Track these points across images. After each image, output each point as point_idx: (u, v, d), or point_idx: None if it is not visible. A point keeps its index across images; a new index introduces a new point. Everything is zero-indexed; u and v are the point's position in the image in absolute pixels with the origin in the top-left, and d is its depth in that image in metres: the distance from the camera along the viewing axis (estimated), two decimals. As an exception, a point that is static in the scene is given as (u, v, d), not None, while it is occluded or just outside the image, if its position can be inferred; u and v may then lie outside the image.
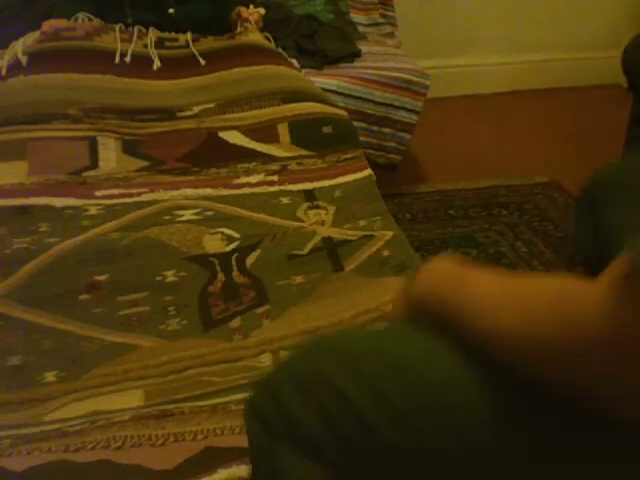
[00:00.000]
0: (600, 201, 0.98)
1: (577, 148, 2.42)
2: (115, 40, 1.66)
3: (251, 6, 1.86)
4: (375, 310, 1.12)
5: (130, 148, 1.46)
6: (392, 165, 2.04)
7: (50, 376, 1.01)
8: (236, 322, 1.11)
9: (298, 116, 1.56)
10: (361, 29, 2.35)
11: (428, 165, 2.33)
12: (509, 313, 0.51)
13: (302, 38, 2.09)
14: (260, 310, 1.14)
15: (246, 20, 1.82)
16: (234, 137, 1.52)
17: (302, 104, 1.58)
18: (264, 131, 1.53)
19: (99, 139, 1.45)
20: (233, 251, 1.25)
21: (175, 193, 1.37)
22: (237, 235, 1.29)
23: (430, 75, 2.02)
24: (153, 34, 1.70)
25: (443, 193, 2.14)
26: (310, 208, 1.38)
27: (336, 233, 1.32)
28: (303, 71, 1.81)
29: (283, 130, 1.54)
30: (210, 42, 1.76)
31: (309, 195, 1.42)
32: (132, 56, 1.64)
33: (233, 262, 1.22)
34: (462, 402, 0.53)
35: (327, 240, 1.30)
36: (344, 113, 1.64)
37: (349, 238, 1.31)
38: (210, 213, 1.33)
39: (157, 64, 1.65)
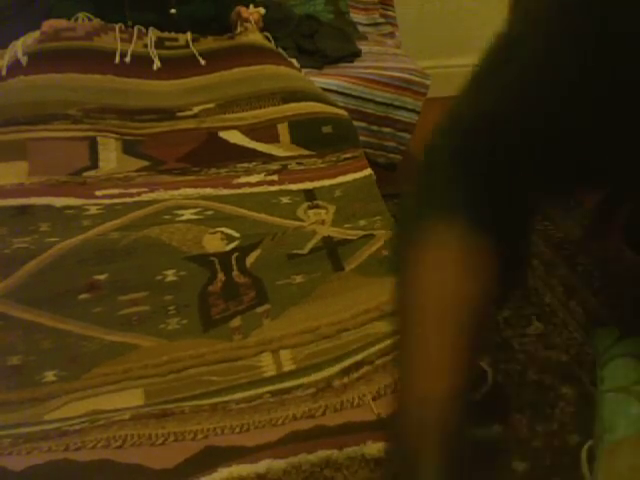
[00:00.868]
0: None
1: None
2: (115, 40, 1.66)
3: (251, 6, 1.86)
4: (375, 310, 1.12)
5: (130, 148, 1.46)
6: (392, 165, 2.04)
7: (50, 375, 1.01)
8: (236, 322, 1.11)
9: (298, 116, 1.56)
10: (361, 29, 2.35)
11: (428, 165, 2.33)
12: None
13: (302, 38, 2.09)
14: (260, 310, 1.14)
15: (246, 20, 1.82)
16: (234, 137, 1.52)
17: (302, 104, 1.58)
18: (264, 131, 1.53)
19: (99, 139, 1.45)
20: (233, 251, 1.25)
21: (175, 193, 1.37)
22: (237, 235, 1.29)
23: (430, 75, 2.02)
24: (153, 34, 1.70)
25: (443, 193, 2.13)
26: (310, 208, 1.38)
27: (336, 233, 1.32)
28: (303, 71, 1.81)
29: (283, 130, 1.54)
30: (210, 42, 1.76)
31: (309, 195, 1.42)
32: (132, 56, 1.64)
33: (233, 262, 1.23)
34: None
35: (327, 240, 1.30)
36: (344, 113, 1.64)
37: (349, 238, 1.31)
38: (210, 213, 1.33)
39: (157, 64, 1.65)
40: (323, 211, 1.38)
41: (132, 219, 1.29)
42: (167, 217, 1.31)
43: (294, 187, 1.43)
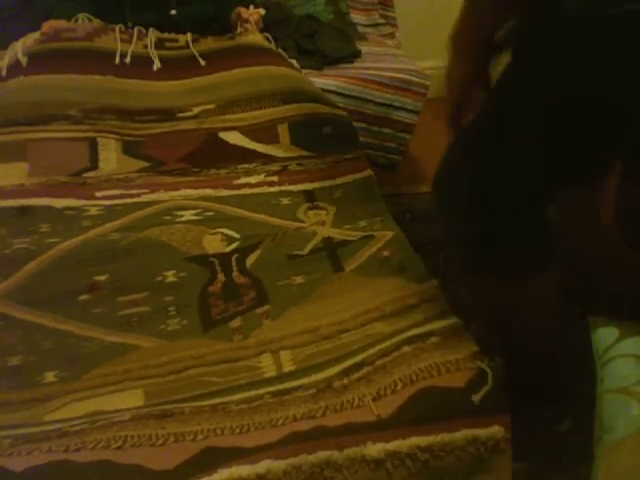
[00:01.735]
0: None
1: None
2: (115, 41, 1.66)
3: (251, 7, 1.86)
4: (375, 310, 1.12)
5: (130, 149, 1.47)
6: (392, 165, 2.04)
7: (50, 376, 1.01)
8: (236, 322, 1.11)
9: (298, 116, 1.56)
10: (361, 29, 2.35)
11: (428, 165, 2.33)
12: None
13: (302, 38, 2.09)
14: (260, 310, 1.14)
15: (246, 21, 1.82)
16: (234, 138, 1.52)
17: (302, 104, 1.58)
18: (264, 132, 1.54)
19: (99, 140, 1.46)
20: (233, 251, 1.25)
21: (175, 194, 1.37)
22: (237, 235, 1.29)
23: (430, 75, 2.02)
24: (153, 35, 1.71)
25: (443, 193, 2.13)
26: (310, 208, 1.38)
27: (336, 233, 1.32)
28: (303, 71, 1.81)
29: (283, 130, 1.54)
30: (210, 43, 1.76)
31: (309, 195, 1.42)
32: (132, 57, 1.64)
33: (233, 262, 1.23)
34: None
35: (327, 240, 1.30)
36: (344, 113, 1.64)
37: (349, 238, 1.31)
38: (210, 213, 1.34)
39: (157, 65, 1.65)
40: (323, 212, 1.38)
41: (132, 220, 1.29)
42: (167, 218, 1.31)
43: (294, 188, 1.43)
